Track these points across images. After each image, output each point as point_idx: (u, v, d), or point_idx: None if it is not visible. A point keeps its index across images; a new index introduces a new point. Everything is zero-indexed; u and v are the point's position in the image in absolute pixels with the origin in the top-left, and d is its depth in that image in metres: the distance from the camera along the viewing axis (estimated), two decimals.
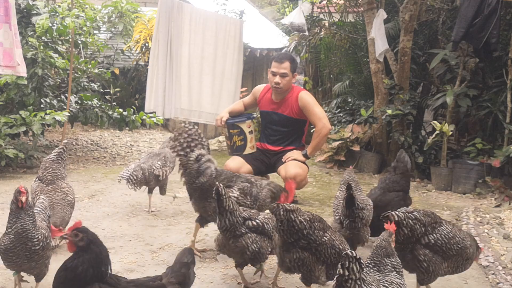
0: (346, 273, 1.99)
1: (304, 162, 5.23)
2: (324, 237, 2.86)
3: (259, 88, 5.58)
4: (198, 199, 3.71)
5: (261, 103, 5.46)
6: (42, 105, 7.10)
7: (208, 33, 8.37)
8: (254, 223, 3.12)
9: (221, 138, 9.91)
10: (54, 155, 3.98)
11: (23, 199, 2.82)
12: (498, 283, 3.46)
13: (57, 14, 7.28)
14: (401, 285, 2.37)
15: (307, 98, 5.24)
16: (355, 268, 2.00)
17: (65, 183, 3.92)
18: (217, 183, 3.12)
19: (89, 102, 7.53)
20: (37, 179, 3.94)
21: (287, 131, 5.36)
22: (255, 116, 5.71)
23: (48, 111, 6.47)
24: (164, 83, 7.90)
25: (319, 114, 5.16)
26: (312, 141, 5.18)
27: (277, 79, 5.12)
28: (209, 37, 8.39)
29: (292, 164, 5.11)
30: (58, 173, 3.89)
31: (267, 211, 3.33)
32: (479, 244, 3.18)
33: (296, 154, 5.17)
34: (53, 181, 3.83)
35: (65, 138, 4.28)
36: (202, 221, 3.80)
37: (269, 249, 3.18)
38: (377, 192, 4.13)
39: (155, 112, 7.83)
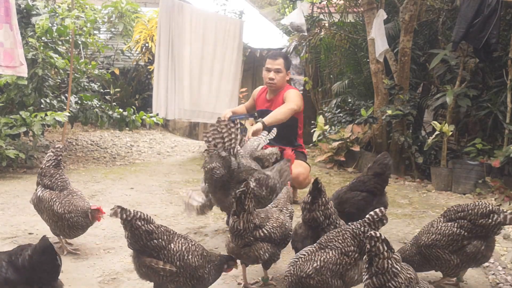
0: (373, 249, 2.12)
1: (305, 161, 5.26)
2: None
3: (257, 89, 5.71)
4: (217, 191, 3.76)
5: (257, 102, 5.53)
6: (42, 105, 7.10)
7: (207, 33, 8.38)
8: (262, 234, 3.01)
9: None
10: (55, 161, 3.80)
11: None
12: (498, 283, 3.45)
13: (57, 14, 7.29)
14: None
15: (291, 92, 5.26)
16: (381, 247, 2.11)
17: (74, 188, 3.85)
18: (249, 180, 3.15)
19: (89, 102, 7.54)
20: (43, 188, 3.73)
21: (280, 128, 5.34)
22: (256, 115, 5.75)
23: (48, 113, 6.47)
24: (167, 84, 7.90)
25: (291, 99, 5.10)
26: (274, 110, 5.04)
27: (272, 74, 5.20)
28: (208, 37, 8.39)
29: (293, 164, 5.10)
30: (65, 179, 3.80)
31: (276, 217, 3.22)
32: None
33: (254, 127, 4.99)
34: (65, 187, 3.75)
35: (59, 142, 4.10)
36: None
37: (279, 255, 3.16)
38: (342, 190, 4.05)
39: (157, 113, 7.84)
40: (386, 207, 4.08)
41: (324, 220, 3.03)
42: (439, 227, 3.11)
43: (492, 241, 3.11)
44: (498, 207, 3.10)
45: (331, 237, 2.76)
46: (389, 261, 2.12)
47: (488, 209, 3.02)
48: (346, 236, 2.72)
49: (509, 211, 3.05)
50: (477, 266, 3.25)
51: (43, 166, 3.80)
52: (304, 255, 2.72)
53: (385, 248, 2.13)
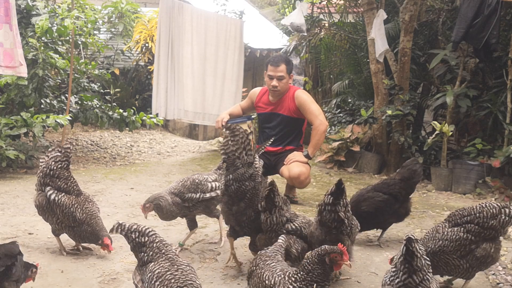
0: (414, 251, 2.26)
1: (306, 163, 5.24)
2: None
3: (255, 91, 5.57)
4: (233, 204, 3.37)
5: (259, 105, 5.45)
6: (42, 106, 7.10)
7: (209, 34, 8.37)
8: (293, 226, 3.15)
9: (221, 139, 9.92)
10: (65, 162, 3.66)
11: None
12: (498, 284, 3.45)
13: (57, 15, 7.29)
14: None
15: (303, 96, 5.24)
16: (417, 246, 2.26)
17: (86, 192, 3.83)
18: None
19: (89, 103, 7.54)
20: (56, 190, 3.58)
21: (286, 131, 5.35)
22: (254, 116, 5.70)
23: (50, 115, 6.46)
24: (166, 84, 7.90)
25: (315, 111, 5.15)
26: (311, 139, 5.17)
27: (275, 82, 5.13)
28: (210, 37, 8.38)
29: (294, 163, 5.11)
30: (77, 182, 3.75)
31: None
32: None
33: (298, 155, 5.16)
34: (80, 191, 3.70)
35: (65, 142, 3.91)
36: (234, 234, 3.49)
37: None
38: (365, 189, 4.15)
39: (157, 114, 7.83)
40: (407, 214, 4.14)
41: (348, 222, 3.04)
42: (445, 233, 3.05)
43: (499, 243, 3.08)
44: (505, 203, 3.08)
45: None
46: (423, 259, 2.29)
47: (496, 208, 2.97)
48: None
49: None
50: (486, 268, 3.22)
51: (54, 168, 3.60)
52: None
53: (421, 247, 2.29)
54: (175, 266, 2.42)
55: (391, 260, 3.09)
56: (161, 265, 2.43)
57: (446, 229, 3.08)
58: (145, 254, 2.54)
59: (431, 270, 2.34)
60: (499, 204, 3.00)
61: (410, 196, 4.17)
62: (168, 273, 2.38)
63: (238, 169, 3.25)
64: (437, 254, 3.03)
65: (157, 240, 2.58)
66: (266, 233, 3.15)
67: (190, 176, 3.89)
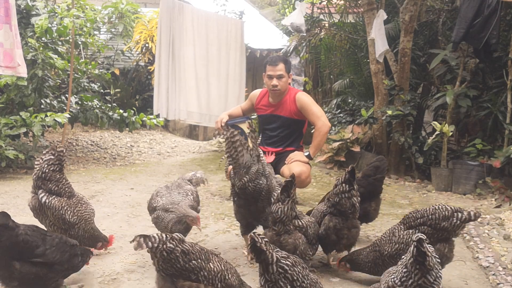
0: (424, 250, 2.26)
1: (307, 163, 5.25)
2: None
3: (256, 93, 5.57)
4: (248, 202, 3.48)
5: (259, 107, 5.45)
6: (42, 106, 7.10)
7: (210, 34, 8.36)
8: (300, 223, 3.21)
9: (222, 139, 9.92)
10: (58, 166, 3.62)
11: None
12: (498, 284, 3.45)
13: (56, 14, 7.29)
14: None
15: (304, 98, 5.24)
16: (427, 246, 2.27)
17: (77, 192, 3.79)
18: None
19: (90, 103, 7.54)
20: (47, 193, 3.55)
21: (287, 133, 5.35)
22: (253, 117, 5.68)
23: (49, 113, 6.47)
24: (167, 84, 7.88)
25: (317, 113, 5.16)
26: (313, 140, 5.17)
27: (275, 81, 5.14)
28: (211, 38, 8.38)
29: (295, 163, 5.11)
30: (70, 185, 3.71)
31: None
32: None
33: (299, 155, 5.16)
34: (72, 193, 3.65)
35: (59, 144, 3.85)
36: (248, 231, 3.56)
37: (311, 254, 3.29)
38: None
39: (158, 114, 7.82)
40: (367, 215, 4.00)
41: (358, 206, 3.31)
42: (401, 236, 3.07)
43: (452, 243, 3.07)
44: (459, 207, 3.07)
45: None
46: (434, 257, 2.31)
47: (449, 211, 2.97)
48: None
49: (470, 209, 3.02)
50: (441, 268, 3.20)
51: (46, 170, 3.57)
52: None
53: (430, 246, 2.32)
54: (219, 256, 2.58)
55: (339, 262, 3.26)
56: (217, 260, 2.52)
57: (402, 232, 3.09)
58: (200, 260, 2.43)
59: (441, 267, 2.36)
60: (452, 208, 3.00)
61: (379, 198, 4.05)
62: (226, 263, 2.56)
63: (250, 168, 3.37)
64: (395, 258, 3.01)
65: (192, 243, 2.51)
66: (274, 225, 3.13)
67: (159, 189, 3.79)
